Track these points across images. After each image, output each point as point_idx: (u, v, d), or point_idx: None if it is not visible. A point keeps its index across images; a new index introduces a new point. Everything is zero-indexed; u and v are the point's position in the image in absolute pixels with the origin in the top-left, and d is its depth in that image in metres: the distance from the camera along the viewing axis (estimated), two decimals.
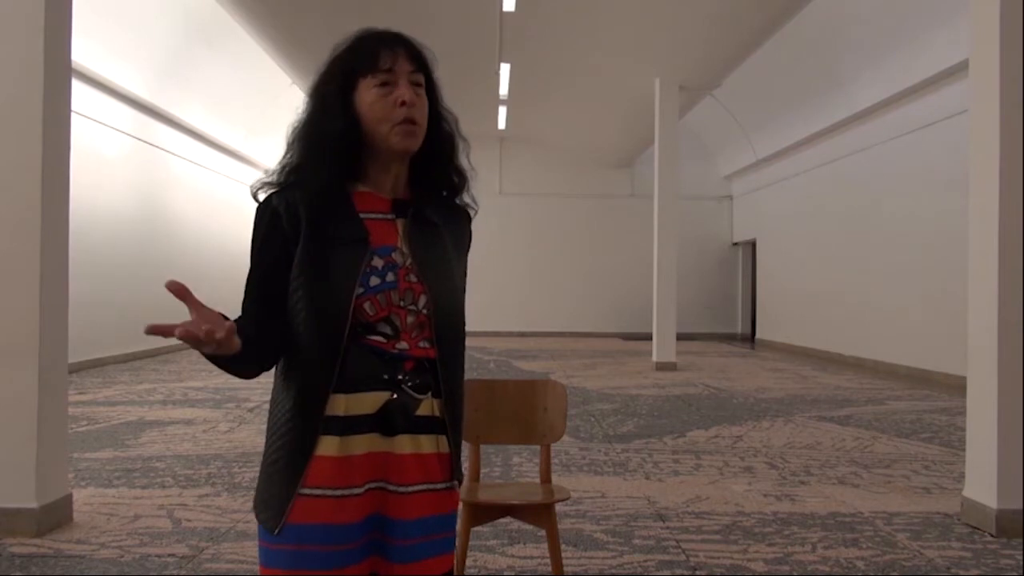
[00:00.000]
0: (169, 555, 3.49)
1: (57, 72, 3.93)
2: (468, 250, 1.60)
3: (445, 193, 1.56)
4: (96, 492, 4.53)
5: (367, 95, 1.42)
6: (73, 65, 4.71)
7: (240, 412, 7.40)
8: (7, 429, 3.77)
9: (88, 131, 10.79)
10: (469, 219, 1.60)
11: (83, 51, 9.88)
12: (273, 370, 1.47)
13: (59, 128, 3.97)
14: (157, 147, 13.31)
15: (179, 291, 1.22)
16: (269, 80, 13.55)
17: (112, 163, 11.75)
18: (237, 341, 1.27)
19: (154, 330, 1.19)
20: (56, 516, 3.86)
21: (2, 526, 3.71)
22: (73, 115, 4.28)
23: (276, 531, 1.37)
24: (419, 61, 1.47)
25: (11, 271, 3.81)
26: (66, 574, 3.28)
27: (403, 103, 1.41)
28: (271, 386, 1.48)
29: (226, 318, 1.29)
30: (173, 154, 13.94)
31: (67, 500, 3.98)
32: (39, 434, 3.77)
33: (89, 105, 10.80)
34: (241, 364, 1.35)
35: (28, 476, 3.74)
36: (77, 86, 8.66)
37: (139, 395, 8.54)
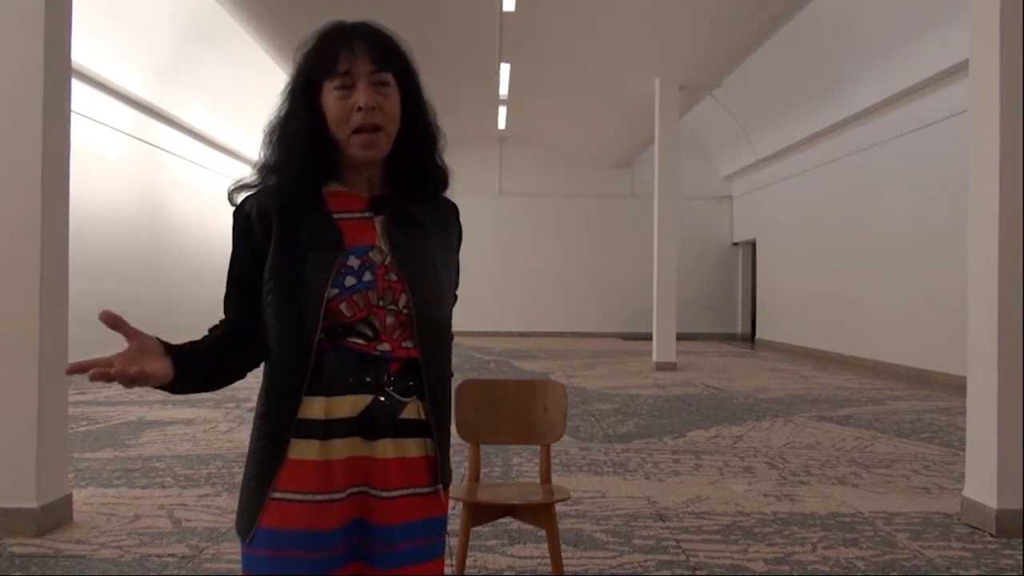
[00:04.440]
0: (169, 555, 3.49)
1: (57, 72, 3.93)
2: (459, 245, 1.57)
3: (428, 188, 1.51)
4: (96, 492, 4.53)
5: (328, 99, 1.39)
6: (73, 65, 4.71)
7: (240, 412, 7.40)
8: (7, 429, 3.77)
9: (88, 131, 10.78)
10: (456, 212, 1.56)
11: (83, 51, 9.88)
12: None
13: (59, 128, 3.97)
14: (157, 147, 13.31)
15: (112, 321, 1.23)
16: (269, 80, 13.54)
17: (112, 163, 11.74)
18: (162, 368, 1.28)
19: (72, 370, 1.20)
20: (56, 516, 3.86)
21: (2, 526, 3.70)
22: (73, 115, 4.28)
23: (247, 539, 1.35)
24: (383, 59, 1.41)
25: (11, 271, 3.81)
26: (66, 574, 3.28)
27: (358, 108, 1.37)
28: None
29: (166, 344, 1.30)
30: (173, 154, 13.94)
31: (67, 500, 3.98)
32: (39, 434, 3.76)
33: (89, 105, 10.80)
34: (184, 387, 1.34)
35: (28, 476, 3.73)
36: (77, 86, 8.65)
37: (139, 395, 8.54)
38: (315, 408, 1.36)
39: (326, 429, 1.35)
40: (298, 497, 1.34)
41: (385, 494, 1.38)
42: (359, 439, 1.37)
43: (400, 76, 1.43)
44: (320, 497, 1.34)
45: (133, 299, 12.17)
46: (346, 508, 1.36)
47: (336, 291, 1.36)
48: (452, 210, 1.55)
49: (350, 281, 1.37)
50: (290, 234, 1.38)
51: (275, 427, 1.36)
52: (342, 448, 1.36)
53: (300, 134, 1.39)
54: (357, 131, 1.38)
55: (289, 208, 1.39)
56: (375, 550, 1.38)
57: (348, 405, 1.36)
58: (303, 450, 1.35)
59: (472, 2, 10.14)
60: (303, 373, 1.35)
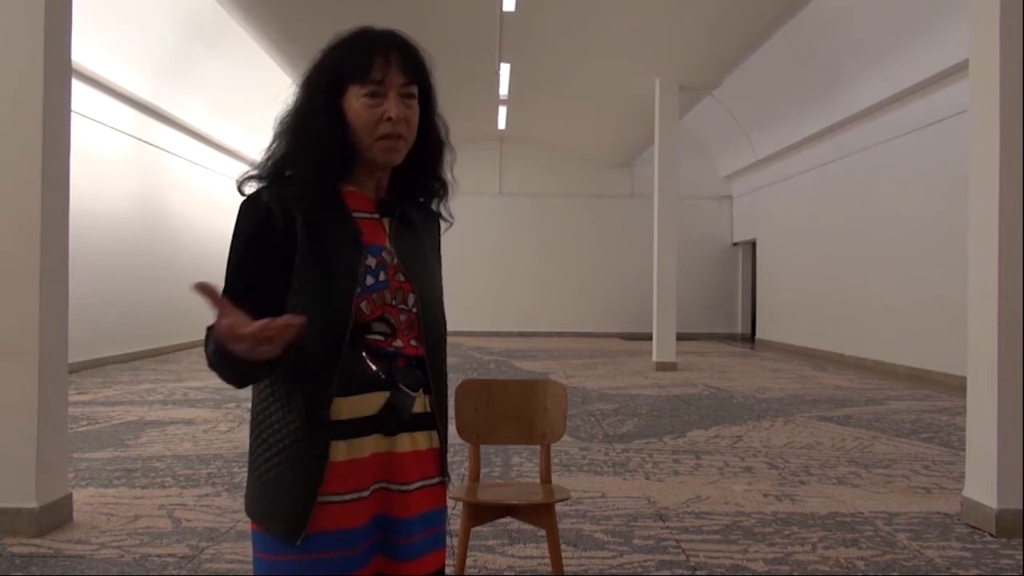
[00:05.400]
0: (169, 555, 3.49)
1: (57, 72, 3.93)
2: (439, 252, 1.62)
3: (422, 199, 1.56)
4: (96, 492, 4.53)
5: (355, 103, 1.40)
6: (73, 65, 4.71)
7: (240, 412, 7.40)
8: (7, 429, 3.77)
9: (88, 131, 10.78)
10: (439, 223, 1.61)
11: (83, 50, 9.87)
12: None
13: (59, 128, 3.96)
14: (157, 147, 13.31)
15: (211, 292, 1.19)
16: (269, 79, 13.55)
17: (112, 163, 11.74)
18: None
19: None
20: (56, 516, 3.86)
21: (2, 526, 3.71)
22: (73, 115, 4.28)
23: (298, 541, 1.33)
24: (413, 71, 1.44)
25: (11, 271, 3.80)
26: (66, 574, 3.28)
27: (388, 118, 1.39)
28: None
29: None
30: (173, 154, 13.94)
31: (67, 500, 3.98)
32: (39, 434, 3.76)
33: (89, 105, 10.80)
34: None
35: (28, 476, 3.73)
36: (77, 86, 8.65)
37: (139, 395, 8.54)
38: (339, 408, 1.36)
39: (351, 429, 1.37)
40: (331, 499, 1.35)
41: (404, 488, 1.42)
42: (380, 436, 1.40)
43: (422, 90, 1.46)
44: (349, 497, 1.36)
45: (133, 299, 12.18)
46: (370, 505, 1.39)
47: (359, 290, 1.38)
48: (437, 220, 1.61)
49: (370, 280, 1.40)
50: (318, 231, 1.38)
51: (314, 430, 1.34)
52: (367, 446, 1.39)
53: (325, 132, 1.40)
54: (381, 138, 1.41)
55: (315, 205, 1.39)
56: (396, 543, 1.41)
57: (368, 403, 1.39)
58: (333, 452, 1.36)
59: (472, 2, 10.15)
60: (334, 372, 1.36)
